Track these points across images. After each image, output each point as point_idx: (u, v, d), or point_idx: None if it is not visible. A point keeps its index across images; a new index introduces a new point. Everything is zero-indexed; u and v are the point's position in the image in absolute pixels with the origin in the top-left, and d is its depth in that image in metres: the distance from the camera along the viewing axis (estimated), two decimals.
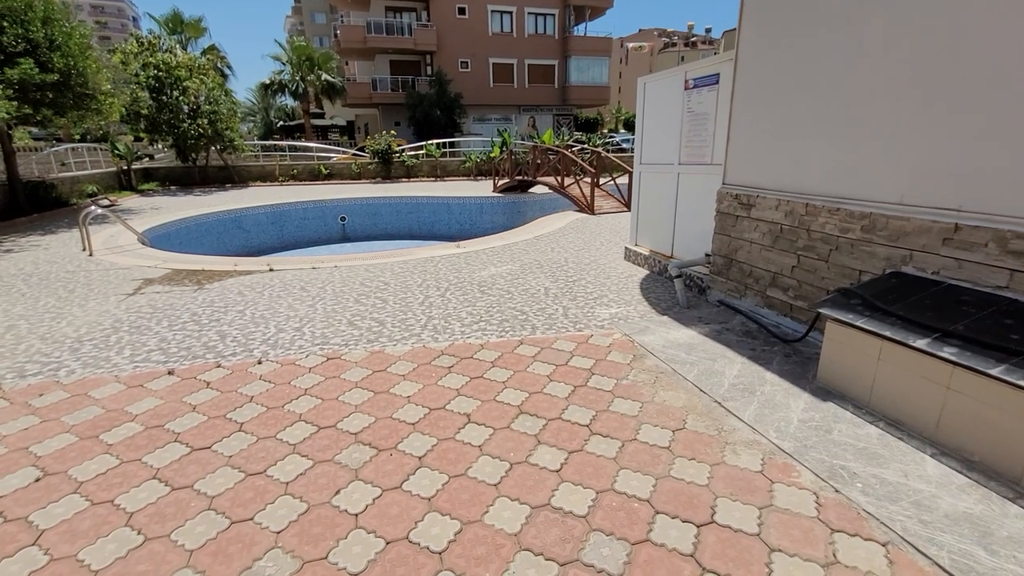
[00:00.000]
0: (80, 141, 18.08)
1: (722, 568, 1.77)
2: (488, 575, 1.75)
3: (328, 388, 3.09)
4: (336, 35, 31.51)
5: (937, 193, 2.78)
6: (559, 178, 11.98)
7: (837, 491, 2.13)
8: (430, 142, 20.92)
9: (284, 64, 32.14)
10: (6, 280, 5.74)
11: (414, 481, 2.24)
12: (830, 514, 2.01)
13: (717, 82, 4.51)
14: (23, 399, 2.99)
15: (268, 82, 32.85)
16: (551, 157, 12.78)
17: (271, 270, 6.06)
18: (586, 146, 17.26)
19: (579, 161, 11.49)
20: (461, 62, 31.72)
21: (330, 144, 29.31)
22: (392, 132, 20.32)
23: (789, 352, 3.43)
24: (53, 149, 15.33)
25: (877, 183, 3.08)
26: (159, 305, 4.76)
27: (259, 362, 3.46)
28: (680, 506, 2.07)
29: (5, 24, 8.77)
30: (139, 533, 1.95)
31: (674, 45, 77.49)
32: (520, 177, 13.96)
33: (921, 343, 2.34)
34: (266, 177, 18.58)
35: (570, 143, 18.41)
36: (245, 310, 4.58)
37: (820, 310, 2.89)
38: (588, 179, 10.76)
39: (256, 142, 23.01)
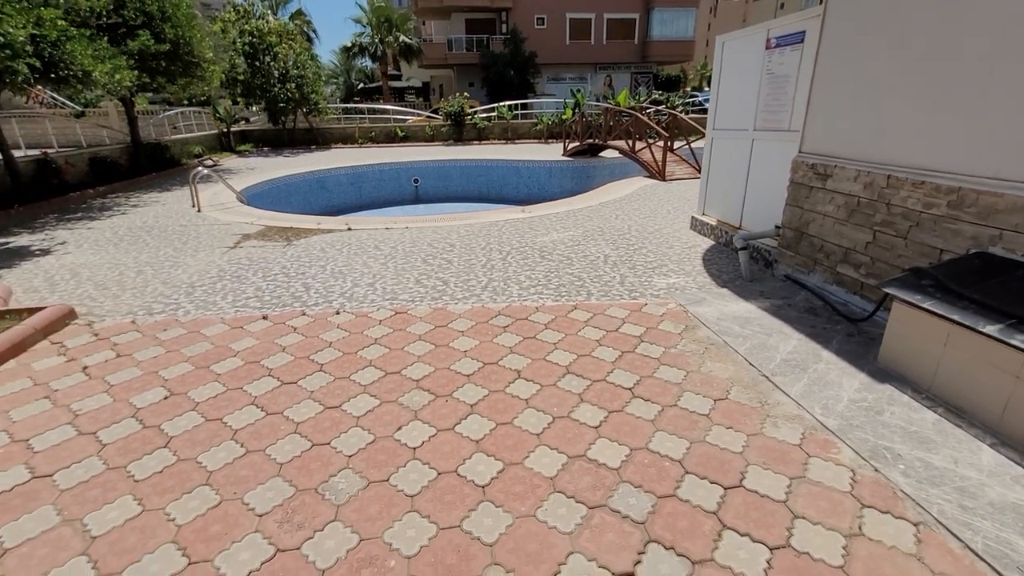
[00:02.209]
0: (188, 105, 19.82)
1: (742, 527, 1.88)
2: (524, 508, 1.98)
3: (395, 339, 3.42)
4: None
5: None
6: (630, 142, 11.62)
7: (876, 470, 2.13)
8: (502, 104, 20.82)
9: (364, 26, 32.88)
10: (134, 232, 6.65)
11: (465, 425, 2.50)
12: (864, 491, 2.03)
13: (802, 41, 4.19)
14: (152, 332, 3.59)
15: (349, 45, 33.86)
16: (624, 120, 12.36)
17: (349, 229, 6.55)
18: (662, 107, 16.42)
19: (651, 124, 11.05)
20: (537, 18, 30.78)
21: (406, 106, 29.96)
22: (465, 94, 20.40)
23: (853, 332, 3.31)
24: (166, 113, 16.96)
25: (970, 155, 2.83)
26: (255, 258, 5.36)
27: (337, 312, 3.88)
28: (710, 469, 2.18)
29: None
30: (242, 446, 2.38)
31: None
32: (590, 141, 13.67)
33: (992, 329, 2.22)
34: (347, 139, 19.49)
35: (645, 104, 17.58)
36: (326, 265, 5.05)
37: (887, 290, 2.77)
38: (661, 143, 10.36)
39: (338, 105, 24.04)
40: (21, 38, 6.01)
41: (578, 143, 14.28)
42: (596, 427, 2.47)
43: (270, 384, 2.91)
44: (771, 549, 1.78)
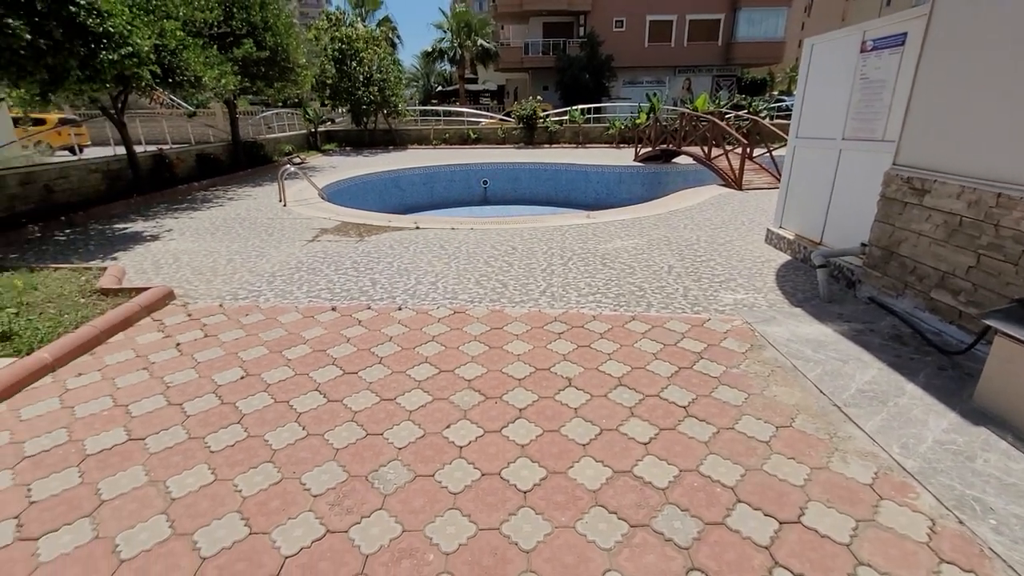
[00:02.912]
0: (282, 107, 21.43)
1: (797, 566, 1.75)
2: (564, 519, 1.97)
3: (452, 338, 3.51)
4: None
5: None
6: (706, 148, 11.15)
7: (961, 522, 1.91)
8: (574, 108, 20.70)
9: (445, 31, 33.96)
10: (229, 223, 7.30)
11: (512, 429, 2.53)
12: (943, 544, 1.83)
13: (902, 43, 3.83)
14: (236, 316, 3.92)
15: (430, 50, 35.12)
16: (701, 125, 11.88)
17: (417, 228, 6.79)
18: (743, 112, 15.62)
19: (729, 130, 10.54)
20: (616, 21, 30.34)
21: (481, 109, 30.57)
22: (538, 97, 20.50)
23: (945, 365, 2.98)
24: (263, 114, 18.45)
25: None
26: (330, 252, 5.70)
27: (399, 308, 4.04)
28: (766, 500, 2.05)
29: (235, 10, 10.71)
30: (303, 428, 2.54)
31: None
32: (663, 146, 13.26)
33: None
34: (423, 140, 20.21)
35: (724, 109, 16.80)
36: (393, 262, 5.28)
37: (988, 321, 2.48)
38: (739, 150, 9.87)
39: (416, 107, 24.99)
40: (146, 48, 6.78)
41: (650, 148, 13.90)
42: (645, 443, 2.41)
43: (333, 372, 3.08)
44: None
